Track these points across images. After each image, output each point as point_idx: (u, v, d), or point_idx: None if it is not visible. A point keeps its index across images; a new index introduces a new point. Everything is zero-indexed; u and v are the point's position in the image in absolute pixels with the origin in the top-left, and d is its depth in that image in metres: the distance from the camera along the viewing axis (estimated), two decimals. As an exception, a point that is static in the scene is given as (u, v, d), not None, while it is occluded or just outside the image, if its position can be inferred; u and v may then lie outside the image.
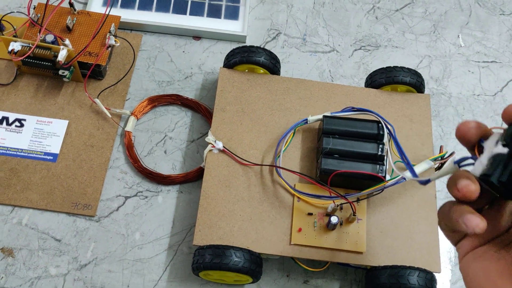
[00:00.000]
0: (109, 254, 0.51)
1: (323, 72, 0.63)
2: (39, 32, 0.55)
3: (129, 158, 0.56)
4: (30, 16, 0.56)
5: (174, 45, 0.64)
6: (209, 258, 0.45)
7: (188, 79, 0.61)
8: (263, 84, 0.56)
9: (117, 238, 0.52)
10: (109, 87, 0.59)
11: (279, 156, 0.52)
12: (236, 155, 0.52)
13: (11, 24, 0.57)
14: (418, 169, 0.50)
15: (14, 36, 0.55)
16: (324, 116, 0.51)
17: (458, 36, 0.68)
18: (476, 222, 0.27)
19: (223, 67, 0.57)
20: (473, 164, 0.29)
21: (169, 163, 0.56)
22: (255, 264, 0.46)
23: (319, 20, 0.68)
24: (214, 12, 0.65)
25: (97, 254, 0.51)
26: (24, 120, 0.56)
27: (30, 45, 0.54)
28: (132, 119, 0.57)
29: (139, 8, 0.65)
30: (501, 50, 0.67)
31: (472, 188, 0.27)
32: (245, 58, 0.55)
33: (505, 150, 0.27)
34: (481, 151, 0.29)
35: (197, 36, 0.65)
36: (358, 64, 0.65)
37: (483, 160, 0.28)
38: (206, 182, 0.51)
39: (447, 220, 0.30)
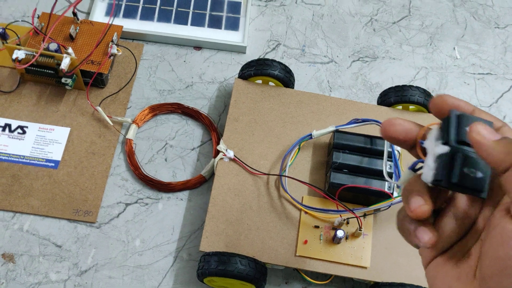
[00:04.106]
0: (110, 260, 0.52)
1: (321, 83, 0.64)
2: (43, 40, 0.56)
3: (130, 165, 0.56)
4: (34, 25, 0.57)
5: (175, 55, 0.65)
6: (214, 265, 0.46)
7: (189, 88, 0.62)
8: (277, 97, 0.57)
9: (117, 244, 0.53)
10: (111, 95, 0.60)
11: (284, 171, 0.52)
12: (246, 165, 0.53)
13: (15, 33, 0.58)
14: (402, 178, 0.51)
15: (18, 45, 0.56)
16: (335, 131, 0.52)
17: (454, 48, 0.69)
18: (428, 237, 0.27)
19: (238, 77, 0.58)
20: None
21: (169, 171, 0.57)
22: (259, 273, 0.47)
23: (318, 31, 0.69)
24: (215, 23, 0.67)
25: (98, 260, 0.52)
26: (27, 127, 0.57)
27: (34, 53, 0.55)
28: (133, 127, 0.58)
29: (141, 18, 0.66)
30: (496, 62, 0.69)
31: (424, 209, 0.26)
32: (261, 70, 0.56)
33: (446, 148, 0.26)
34: (425, 151, 0.27)
35: (197, 46, 0.66)
36: (356, 75, 0.66)
37: (429, 164, 0.26)
38: (215, 189, 0.51)
39: (402, 231, 0.29)
